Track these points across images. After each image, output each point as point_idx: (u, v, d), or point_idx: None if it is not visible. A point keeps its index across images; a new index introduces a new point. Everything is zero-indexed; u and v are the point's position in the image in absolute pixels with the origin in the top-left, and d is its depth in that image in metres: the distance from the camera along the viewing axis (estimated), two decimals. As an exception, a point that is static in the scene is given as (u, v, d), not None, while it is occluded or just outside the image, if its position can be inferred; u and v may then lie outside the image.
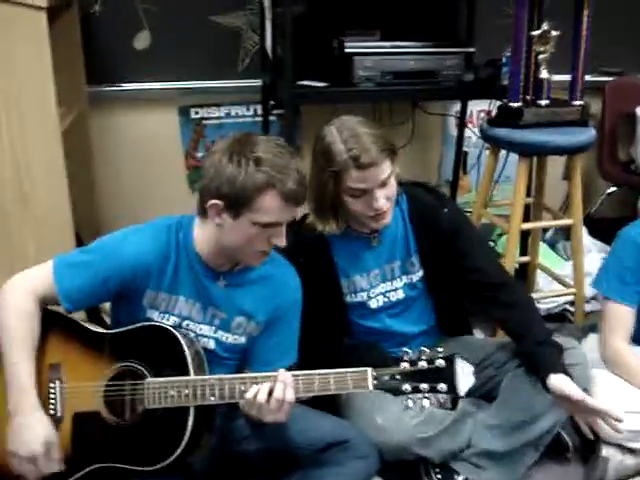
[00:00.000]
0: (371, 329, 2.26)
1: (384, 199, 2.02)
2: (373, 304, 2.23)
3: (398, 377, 1.65)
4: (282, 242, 1.78)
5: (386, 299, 2.24)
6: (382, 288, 2.23)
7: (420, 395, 1.64)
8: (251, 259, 1.84)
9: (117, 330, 1.83)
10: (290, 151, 1.77)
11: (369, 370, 1.68)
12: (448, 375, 1.63)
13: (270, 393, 1.68)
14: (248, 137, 1.76)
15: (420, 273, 2.24)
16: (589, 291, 2.97)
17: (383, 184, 2.01)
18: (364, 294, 2.22)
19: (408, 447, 2.04)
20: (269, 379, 1.71)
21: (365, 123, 2.04)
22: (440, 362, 1.63)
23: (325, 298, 2.18)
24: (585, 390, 2.10)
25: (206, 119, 3.43)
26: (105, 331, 1.84)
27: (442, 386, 1.63)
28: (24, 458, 1.67)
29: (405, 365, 1.65)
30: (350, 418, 2.11)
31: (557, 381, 1.99)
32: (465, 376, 1.63)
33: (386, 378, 1.66)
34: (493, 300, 2.19)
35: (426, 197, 2.25)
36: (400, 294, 2.24)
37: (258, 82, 3.30)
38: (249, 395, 1.69)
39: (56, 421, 1.75)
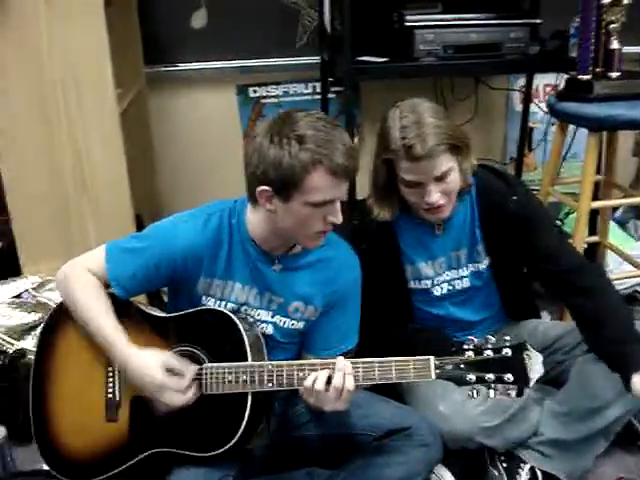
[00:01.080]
0: (433, 315, 2.21)
1: (439, 194, 1.93)
2: (437, 291, 2.17)
3: (462, 366, 1.59)
4: (338, 219, 1.72)
5: (451, 287, 2.17)
6: (447, 276, 2.16)
7: (485, 385, 1.58)
8: (309, 241, 1.79)
9: (175, 314, 1.82)
10: (334, 124, 1.70)
11: (432, 359, 1.62)
12: (515, 365, 1.56)
13: (329, 381, 1.64)
14: (288, 115, 1.69)
15: (487, 261, 2.16)
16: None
17: (439, 179, 1.91)
18: (428, 282, 2.16)
19: (472, 436, 1.98)
20: (327, 366, 1.67)
21: (434, 111, 1.92)
22: (507, 351, 1.56)
23: (389, 283, 2.14)
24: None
25: (264, 98, 3.39)
26: (163, 315, 1.84)
27: (509, 376, 1.56)
28: (160, 393, 1.68)
29: (470, 354, 1.58)
30: (413, 406, 2.06)
31: None
32: (533, 365, 1.56)
33: (449, 367, 1.60)
34: (567, 286, 2.05)
35: (495, 183, 2.13)
36: (466, 283, 2.17)
37: (317, 59, 3.25)
38: (307, 383, 1.65)
39: (114, 405, 1.76)
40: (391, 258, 2.12)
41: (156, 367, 1.67)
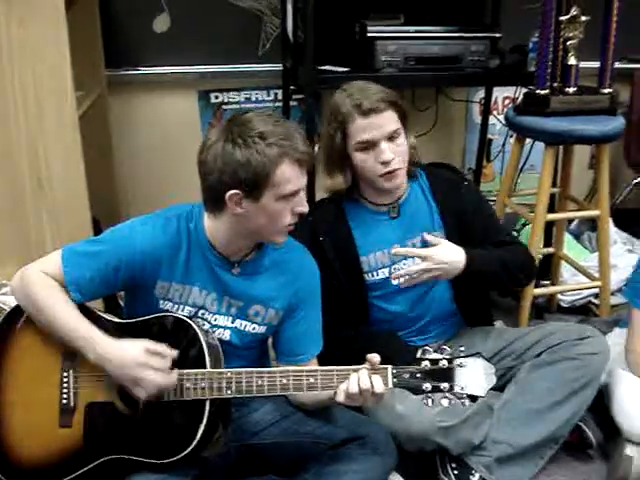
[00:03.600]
0: (390, 313, 2.23)
1: (391, 153, 2.03)
2: (395, 281, 2.18)
3: (419, 375, 1.62)
4: (305, 207, 1.77)
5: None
6: (404, 264, 2.18)
7: (440, 394, 1.61)
8: (279, 236, 1.81)
9: (133, 320, 1.80)
10: (283, 117, 1.80)
11: (389, 368, 1.65)
12: (469, 375, 1.60)
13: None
14: (238, 119, 1.73)
15: None
16: (614, 284, 2.91)
17: (390, 138, 2.03)
18: (386, 270, 2.19)
19: (428, 436, 2.00)
20: (290, 373, 1.69)
21: (371, 82, 2.11)
22: (461, 361, 1.61)
23: (345, 278, 2.17)
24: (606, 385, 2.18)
25: (226, 104, 3.39)
26: (121, 321, 1.82)
27: (463, 386, 1.61)
28: (142, 372, 1.64)
29: (426, 363, 1.63)
30: (369, 407, 2.06)
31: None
32: (486, 376, 1.61)
33: (406, 376, 1.63)
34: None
35: (446, 173, 2.30)
36: None
37: (279, 66, 3.26)
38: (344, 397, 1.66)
39: (69, 411, 1.73)
40: (346, 249, 2.17)
41: (138, 349, 1.66)
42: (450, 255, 2.07)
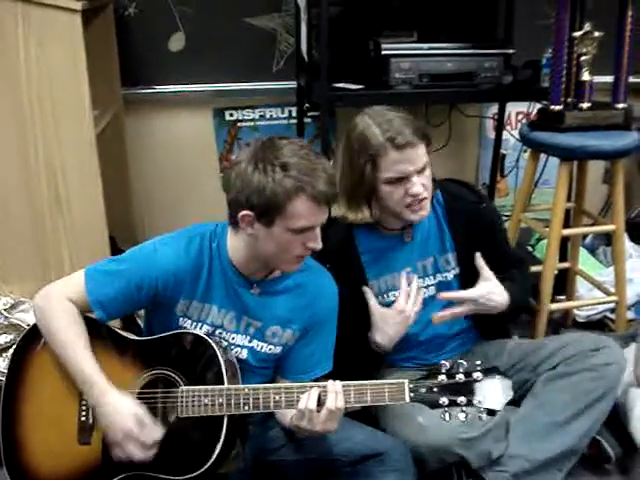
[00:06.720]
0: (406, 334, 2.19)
1: (420, 186, 2.00)
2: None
3: (435, 390, 1.63)
4: (318, 245, 1.75)
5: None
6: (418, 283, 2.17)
7: (457, 408, 1.62)
8: (288, 265, 1.81)
9: (150, 337, 1.82)
10: (316, 152, 1.74)
11: (406, 382, 1.66)
12: (486, 389, 1.61)
13: (319, 402, 1.66)
14: (270, 142, 1.72)
15: (456, 271, 2.20)
16: (630, 298, 2.90)
17: (420, 172, 1.99)
18: (396, 292, 2.16)
19: (450, 448, 1.98)
20: (309, 388, 1.69)
21: (394, 109, 2.05)
22: (478, 375, 1.62)
23: (354, 302, 2.13)
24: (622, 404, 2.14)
25: (241, 121, 3.41)
26: (138, 338, 1.83)
27: (480, 400, 1.61)
28: (124, 441, 1.66)
29: (442, 377, 1.63)
30: (389, 418, 2.07)
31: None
32: (503, 390, 1.61)
33: (423, 390, 1.64)
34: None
35: (463, 193, 2.24)
36: (432, 291, 2.20)
37: (293, 84, 3.28)
38: (300, 405, 1.67)
39: (88, 428, 1.74)
40: (355, 275, 2.15)
41: (129, 414, 1.67)
42: (497, 298, 2.09)
